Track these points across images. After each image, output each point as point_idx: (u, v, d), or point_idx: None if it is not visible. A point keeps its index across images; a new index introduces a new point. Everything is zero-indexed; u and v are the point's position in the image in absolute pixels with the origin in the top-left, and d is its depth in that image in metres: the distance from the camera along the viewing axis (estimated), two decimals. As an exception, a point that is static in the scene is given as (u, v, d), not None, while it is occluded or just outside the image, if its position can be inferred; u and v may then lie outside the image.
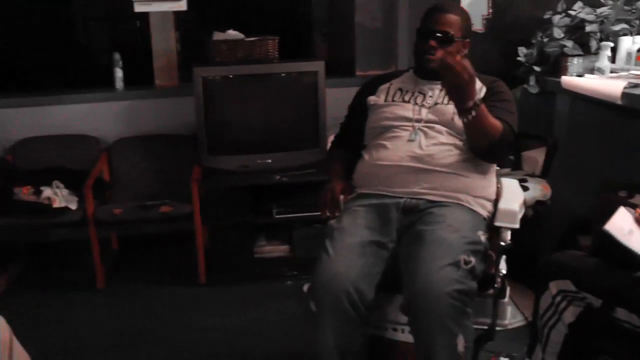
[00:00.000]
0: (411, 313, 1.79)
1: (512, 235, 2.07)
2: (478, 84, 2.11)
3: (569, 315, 1.74)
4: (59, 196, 3.26)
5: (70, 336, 2.88)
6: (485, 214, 2.02)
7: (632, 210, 1.82)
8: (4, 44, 3.96)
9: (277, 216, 3.42)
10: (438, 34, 2.09)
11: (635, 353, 1.64)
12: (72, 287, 3.37)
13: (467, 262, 1.77)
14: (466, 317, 1.77)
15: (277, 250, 3.56)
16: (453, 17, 2.10)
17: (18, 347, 2.06)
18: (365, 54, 3.97)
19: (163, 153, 3.65)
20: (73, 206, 3.25)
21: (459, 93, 1.84)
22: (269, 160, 3.40)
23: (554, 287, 1.79)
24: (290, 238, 3.55)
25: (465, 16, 2.18)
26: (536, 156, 3.12)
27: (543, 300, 1.84)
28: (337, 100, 2.56)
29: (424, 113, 2.14)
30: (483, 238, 1.90)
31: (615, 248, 1.68)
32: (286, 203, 3.43)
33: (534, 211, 2.81)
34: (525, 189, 2.74)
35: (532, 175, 2.97)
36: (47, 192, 3.26)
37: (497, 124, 1.97)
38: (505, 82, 2.34)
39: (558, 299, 1.77)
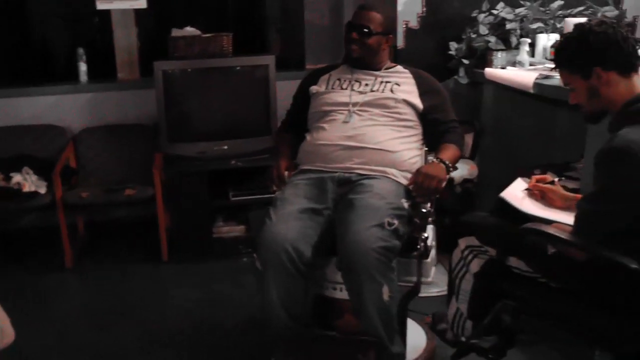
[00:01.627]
0: (343, 268, 2.10)
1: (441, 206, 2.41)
2: (401, 71, 2.47)
3: (475, 266, 2.08)
4: (28, 181, 3.48)
5: (44, 313, 3.09)
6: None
7: (528, 180, 2.18)
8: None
9: (233, 199, 3.69)
10: (358, 27, 2.41)
11: (526, 294, 1.98)
12: (43, 268, 3.57)
13: (390, 224, 2.09)
14: (390, 271, 2.09)
15: (234, 230, 3.82)
16: (374, 15, 2.44)
17: (1, 310, 2.31)
18: (314, 49, 4.27)
19: (126, 142, 3.88)
20: (42, 190, 3.47)
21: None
22: (225, 147, 3.67)
23: (462, 243, 2.13)
24: (246, 219, 3.80)
25: (387, 15, 2.51)
26: (467, 140, 3.47)
27: (454, 256, 2.18)
28: (288, 91, 2.81)
29: (359, 98, 2.47)
30: (406, 205, 2.23)
31: (508, 210, 2.03)
32: (241, 186, 3.70)
33: (462, 188, 3.17)
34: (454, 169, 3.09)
35: (462, 157, 3.32)
36: (17, 177, 3.48)
37: (456, 154, 2.44)
38: (435, 73, 2.69)
39: (466, 252, 2.11)
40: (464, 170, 3.14)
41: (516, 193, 2.12)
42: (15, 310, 2.45)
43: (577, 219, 1.79)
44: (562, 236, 1.78)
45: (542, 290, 1.92)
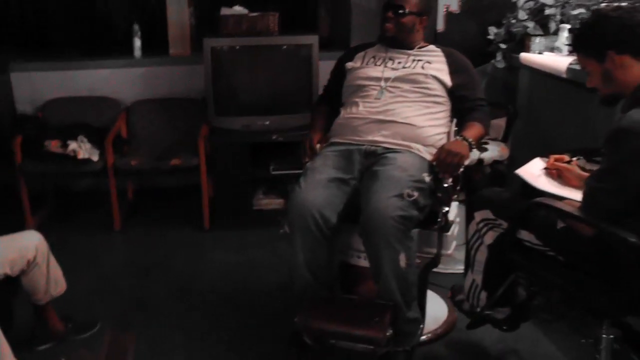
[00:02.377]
0: (364, 234, 2.24)
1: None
2: (433, 50, 2.58)
3: (489, 239, 2.20)
4: (83, 149, 3.71)
5: (94, 269, 3.34)
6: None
7: (546, 159, 2.26)
8: (32, 15, 4.37)
9: (273, 172, 3.85)
10: (394, 7, 2.52)
11: (534, 266, 2.08)
12: (94, 228, 3.84)
13: (410, 196, 2.21)
14: (408, 239, 2.22)
15: (273, 203, 3.98)
16: None
17: (53, 260, 2.55)
18: (360, 29, 4.35)
19: (175, 114, 4.09)
20: (95, 158, 3.71)
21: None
22: (267, 122, 3.83)
23: (478, 216, 2.24)
24: (285, 192, 3.95)
25: None
26: (501, 124, 3.54)
27: (470, 228, 2.29)
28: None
29: (392, 74, 2.59)
30: (427, 179, 2.34)
31: (524, 186, 2.13)
32: (282, 160, 3.85)
33: (492, 169, 3.25)
34: (484, 150, 3.18)
35: (495, 139, 3.40)
36: (73, 145, 3.72)
37: (480, 132, 2.50)
38: (474, 56, 2.78)
39: (481, 225, 2.22)
40: (494, 151, 3.21)
41: (532, 171, 2.21)
42: (68, 264, 2.72)
43: (584, 195, 1.87)
44: (569, 210, 1.88)
45: (550, 263, 2.02)
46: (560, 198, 2.02)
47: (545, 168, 2.22)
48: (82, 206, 4.15)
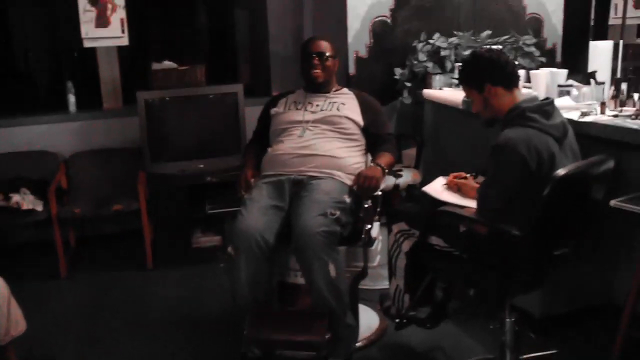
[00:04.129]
0: (296, 251, 2.57)
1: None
2: (346, 93, 2.99)
3: (406, 247, 2.58)
4: (26, 200, 3.90)
5: (45, 314, 3.46)
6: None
7: (447, 177, 2.68)
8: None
9: (209, 211, 4.10)
10: (319, 54, 2.93)
11: (446, 267, 2.47)
12: (41, 277, 3.97)
13: (332, 214, 2.57)
14: (334, 251, 2.56)
15: (211, 240, 4.27)
16: (326, 43, 2.96)
17: (14, 301, 2.73)
18: (279, 76, 4.75)
19: (113, 163, 4.32)
20: (39, 208, 3.89)
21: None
22: (201, 165, 4.14)
23: (395, 228, 2.63)
24: (222, 229, 4.25)
25: (332, 42, 3.01)
26: (412, 153, 3.99)
27: (389, 240, 2.67)
28: (256, 115, 3.26)
29: (311, 117, 2.97)
30: (348, 200, 2.70)
31: (430, 201, 2.53)
32: (217, 200, 4.11)
33: (407, 192, 3.67)
34: (399, 176, 3.60)
35: (408, 167, 3.83)
36: (15, 197, 3.90)
37: (390, 160, 2.89)
38: (383, 94, 3.20)
39: (398, 235, 2.61)
40: (408, 177, 3.63)
41: (436, 187, 2.63)
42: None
43: (477, 201, 2.29)
44: (466, 215, 2.29)
45: (455, 260, 2.41)
46: (461, 207, 2.43)
47: (446, 184, 2.63)
48: (26, 257, 4.27)
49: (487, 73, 2.31)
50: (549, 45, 4.53)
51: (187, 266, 4.06)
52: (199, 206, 4.15)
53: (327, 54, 2.97)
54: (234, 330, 2.78)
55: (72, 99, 4.45)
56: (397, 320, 2.77)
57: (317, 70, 2.97)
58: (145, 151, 4.09)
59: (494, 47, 2.58)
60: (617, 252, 2.89)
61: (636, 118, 2.52)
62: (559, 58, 4.56)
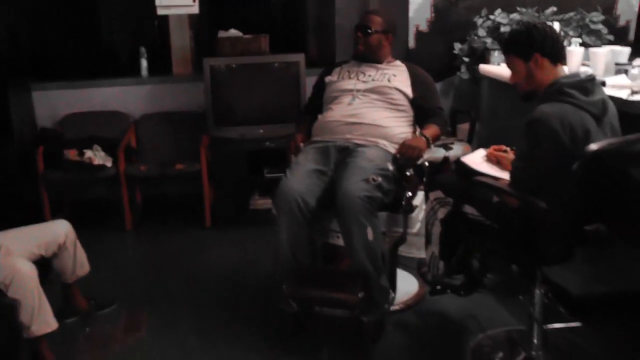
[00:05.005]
0: (338, 213, 2.70)
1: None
2: (398, 65, 3.06)
3: (441, 214, 2.65)
4: (97, 156, 4.18)
5: (110, 262, 3.76)
6: None
7: (487, 150, 2.73)
8: (47, 42, 4.91)
9: (267, 175, 4.31)
10: (362, 27, 3.01)
11: (477, 236, 2.53)
12: (108, 229, 4.28)
13: (374, 180, 2.68)
14: (373, 216, 2.67)
15: (267, 203, 4.40)
16: (375, 17, 3.04)
17: (79, 245, 3.00)
18: (343, 48, 4.84)
19: (179, 126, 4.56)
20: (109, 164, 4.18)
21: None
22: (261, 131, 4.30)
23: (432, 196, 2.70)
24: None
25: (387, 17, 3.09)
26: (466, 127, 4.02)
27: (427, 207, 2.75)
28: None
29: (362, 86, 3.07)
30: (391, 167, 2.80)
31: (468, 170, 2.59)
32: (275, 165, 4.29)
33: (457, 165, 3.70)
34: (449, 149, 3.65)
35: (461, 141, 3.87)
36: (88, 153, 4.19)
37: (436, 132, 2.96)
38: (441, 69, 3.25)
39: (434, 203, 2.68)
40: (459, 150, 3.66)
41: (475, 158, 2.68)
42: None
43: (510, 173, 2.34)
44: (499, 186, 2.34)
45: (487, 230, 2.47)
46: (496, 179, 2.48)
47: (486, 156, 2.68)
48: (96, 212, 4.59)
49: (538, 43, 2.33)
50: (621, 22, 4.40)
51: (244, 227, 4.26)
52: (257, 170, 4.34)
53: (372, 29, 3.04)
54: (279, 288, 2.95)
55: (144, 63, 4.70)
56: (431, 286, 2.85)
57: (359, 44, 3.07)
58: (209, 115, 4.29)
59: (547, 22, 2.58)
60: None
61: (685, 98, 2.49)
62: (632, 36, 4.43)
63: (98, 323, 3.10)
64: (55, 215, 4.25)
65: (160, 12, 4.49)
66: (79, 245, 3.02)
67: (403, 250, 3.34)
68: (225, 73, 4.31)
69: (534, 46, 2.35)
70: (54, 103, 4.57)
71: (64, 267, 2.95)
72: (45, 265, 2.85)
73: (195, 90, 4.57)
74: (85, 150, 4.21)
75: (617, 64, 3.13)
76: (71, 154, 4.21)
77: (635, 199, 2.36)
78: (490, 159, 2.66)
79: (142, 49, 4.69)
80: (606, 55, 3.29)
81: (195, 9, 4.50)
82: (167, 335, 2.96)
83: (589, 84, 2.29)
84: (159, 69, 4.79)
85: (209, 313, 3.17)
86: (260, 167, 4.34)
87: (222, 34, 4.33)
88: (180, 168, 4.18)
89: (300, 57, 4.28)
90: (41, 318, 2.52)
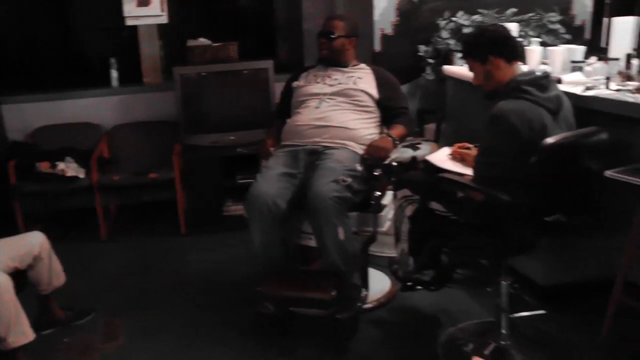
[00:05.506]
0: (309, 214, 2.77)
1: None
2: (364, 68, 3.14)
3: (408, 212, 2.74)
4: (70, 168, 4.20)
5: (86, 272, 3.77)
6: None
7: (451, 148, 2.82)
8: (16, 53, 4.91)
9: (240, 181, 4.36)
10: (325, 34, 3.09)
11: (444, 231, 2.62)
12: (83, 239, 4.29)
13: (344, 181, 2.76)
14: (344, 216, 2.75)
15: (240, 209, 4.39)
16: (337, 22, 3.13)
17: (55, 256, 3.02)
18: (311, 53, 4.91)
19: (151, 135, 4.59)
20: (82, 175, 4.19)
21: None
22: (233, 137, 4.36)
23: (399, 194, 2.79)
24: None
25: (349, 22, 3.17)
26: (432, 127, 4.11)
27: (395, 205, 2.83)
28: None
29: (329, 90, 3.15)
30: (359, 168, 2.88)
31: (433, 168, 2.68)
32: (247, 170, 4.34)
33: (425, 165, 3.80)
34: (417, 149, 3.73)
35: (428, 140, 3.95)
36: (61, 165, 4.20)
37: (403, 132, 3.06)
38: (407, 71, 3.32)
39: (402, 201, 2.77)
40: (426, 150, 3.73)
41: (440, 156, 2.77)
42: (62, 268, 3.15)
43: (474, 169, 2.43)
44: (463, 181, 2.43)
45: (453, 225, 2.56)
46: (460, 175, 2.57)
47: (450, 154, 2.77)
48: (70, 223, 4.59)
49: (491, 45, 2.43)
50: (578, 22, 4.55)
51: (218, 233, 4.30)
52: (230, 176, 4.39)
53: (334, 34, 3.12)
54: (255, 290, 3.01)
55: (114, 74, 4.73)
56: (402, 283, 2.93)
57: (323, 49, 3.15)
58: (181, 123, 4.34)
59: (500, 23, 2.69)
60: (622, 226, 2.97)
61: (636, 92, 2.59)
62: (587, 35, 4.57)
63: (76, 333, 3.11)
64: (29, 228, 4.24)
65: (129, 22, 4.54)
66: (54, 256, 3.04)
67: (374, 250, 3.45)
68: (195, 81, 4.36)
69: (487, 49, 2.46)
70: (24, 116, 4.57)
71: (39, 278, 2.97)
72: (20, 277, 2.87)
73: (166, 99, 4.61)
74: (57, 163, 4.22)
75: (573, 62, 3.24)
76: (43, 166, 4.21)
77: (589, 189, 2.46)
78: (454, 156, 2.76)
79: (112, 60, 4.72)
80: (563, 53, 3.40)
81: (164, 19, 4.55)
82: (146, 341, 3.00)
83: (544, 81, 2.39)
84: (130, 79, 4.81)
85: (186, 317, 3.21)
86: (233, 173, 4.39)
87: (191, 42, 4.38)
88: (154, 177, 4.21)
89: (269, 64, 4.35)
90: (18, 329, 2.55)
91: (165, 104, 4.63)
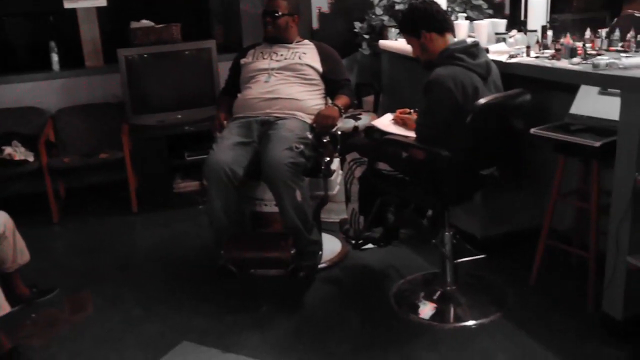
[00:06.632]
0: (267, 180, 2.97)
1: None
2: (307, 44, 3.34)
3: (358, 173, 2.98)
4: (18, 152, 4.23)
5: (41, 254, 3.71)
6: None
7: (393, 113, 3.07)
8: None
9: (188, 158, 4.52)
10: (270, 12, 3.28)
11: (391, 188, 2.88)
12: (35, 222, 4.27)
13: (297, 148, 2.97)
14: (299, 180, 2.96)
15: (190, 185, 4.64)
16: (280, 1, 3.33)
17: (18, 234, 3.10)
18: (250, 33, 5.07)
19: (97, 117, 4.64)
20: (31, 159, 4.24)
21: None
22: (179, 116, 4.50)
23: (348, 157, 3.03)
24: (199, 175, 4.58)
25: (290, 1, 3.36)
26: (371, 99, 4.39)
27: (345, 168, 3.07)
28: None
29: (276, 65, 3.34)
30: (310, 135, 3.11)
31: (378, 132, 2.93)
32: (195, 147, 4.50)
33: (365, 133, 4.06)
34: (358, 119, 3.99)
35: (367, 112, 4.22)
36: (8, 149, 4.23)
37: (347, 101, 3.28)
38: (344, 47, 3.56)
39: (351, 164, 3.01)
40: (366, 120, 4.01)
41: (384, 121, 3.03)
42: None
43: (415, 130, 2.69)
44: (406, 142, 2.69)
45: (399, 182, 2.82)
46: (404, 137, 2.83)
47: (393, 119, 3.03)
48: (19, 207, 4.55)
49: (421, 21, 2.69)
50: (497, -2, 4.89)
51: (169, 210, 4.44)
52: (178, 154, 4.53)
53: (279, 12, 3.32)
54: (210, 263, 3.17)
55: (55, 58, 4.74)
56: (353, 241, 3.18)
57: (268, 27, 3.36)
58: (127, 104, 4.43)
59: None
60: (545, 179, 3.32)
61: (552, 58, 2.91)
62: (507, 10, 4.92)
63: (43, 308, 3.20)
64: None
65: (68, 5, 4.57)
66: (17, 234, 3.12)
67: (324, 216, 3.68)
68: (140, 63, 4.46)
69: (418, 24, 2.72)
70: (-37, 102, 4.53)
71: (4, 256, 3.05)
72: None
73: (108, 81, 4.69)
74: (3, 147, 4.24)
75: (497, 34, 3.55)
76: (-11, 152, 4.22)
77: (515, 145, 2.77)
78: (397, 121, 3.02)
79: (52, 43, 4.74)
80: (487, 26, 3.71)
81: (102, 2, 4.60)
82: (112, 311, 3.13)
83: (474, 49, 2.67)
84: (70, 62, 4.84)
85: (149, 287, 3.36)
86: (181, 151, 4.53)
87: (134, 24, 4.47)
88: (104, 157, 4.30)
89: (211, 44, 4.50)
90: None
91: (109, 86, 4.71)
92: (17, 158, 4.19)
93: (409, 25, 2.75)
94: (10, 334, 2.74)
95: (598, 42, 2.95)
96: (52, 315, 3.17)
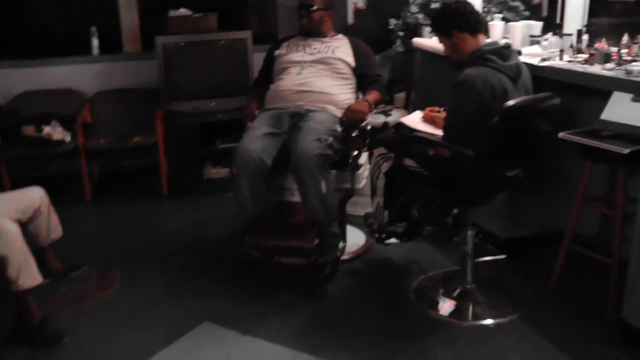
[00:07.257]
0: (294, 170, 3.03)
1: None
2: (341, 38, 3.39)
3: (384, 168, 3.02)
4: (56, 132, 4.36)
5: (74, 231, 3.82)
6: None
7: (423, 112, 3.11)
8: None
9: (220, 146, 4.59)
10: (306, 6, 3.34)
11: (416, 184, 2.92)
12: (69, 201, 4.37)
13: (326, 140, 3.03)
14: (326, 171, 3.02)
15: (220, 172, 4.71)
16: None
17: (53, 210, 3.21)
18: (286, 25, 5.12)
19: (132, 102, 4.76)
20: (68, 139, 4.37)
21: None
22: (213, 104, 4.58)
23: (376, 152, 3.07)
24: (230, 163, 4.68)
25: None
26: (402, 96, 4.42)
27: (372, 164, 3.12)
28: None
29: (309, 57, 3.40)
30: (339, 129, 3.16)
31: (407, 129, 2.97)
32: (226, 136, 4.58)
33: (395, 130, 4.09)
34: (389, 115, 4.02)
35: (398, 108, 4.26)
36: (47, 129, 4.36)
37: (377, 97, 3.31)
38: (378, 43, 3.59)
39: (378, 159, 3.05)
40: (397, 116, 4.03)
41: (413, 119, 3.06)
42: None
43: (443, 129, 2.73)
44: (433, 139, 2.72)
45: (424, 179, 2.86)
46: (431, 135, 2.86)
47: (422, 117, 3.06)
48: (55, 186, 4.69)
49: (454, 20, 2.72)
50: (536, 0, 4.86)
51: (198, 196, 4.54)
52: (210, 141, 4.62)
53: (314, 6, 3.37)
54: (236, 249, 3.22)
55: (95, 42, 4.87)
56: (377, 235, 3.23)
57: (304, 20, 3.41)
58: (163, 91, 4.53)
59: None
60: (570, 184, 3.32)
61: (585, 63, 2.92)
62: (544, 12, 4.89)
63: (72, 283, 3.32)
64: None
65: (109, -8, 4.68)
66: (52, 209, 3.24)
67: (350, 209, 3.73)
68: (176, 50, 4.54)
69: (450, 24, 2.74)
70: (5, 82, 4.68)
71: (39, 230, 3.16)
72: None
73: (145, 67, 4.79)
74: (43, 127, 4.37)
75: (531, 36, 3.56)
76: (29, 130, 4.36)
77: (540, 148, 2.78)
78: (426, 119, 3.05)
79: (93, 28, 4.86)
80: (522, 28, 3.71)
81: (144, -11, 4.70)
82: (138, 290, 3.23)
83: (505, 51, 2.69)
84: (110, 47, 4.96)
85: (175, 268, 3.45)
86: (212, 139, 4.61)
87: (172, 13, 4.56)
88: (138, 140, 4.40)
89: (247, 34, 4.57)
90: (27, 272, 2.75)
91: (145, 72, 4.81)
92: (55, 138, 4.32)
93: (441, 24, 2.78)
94: (41, 305, 2.84)
95: (635, 48, 2.94)
96: (81, 290, 3.29)
